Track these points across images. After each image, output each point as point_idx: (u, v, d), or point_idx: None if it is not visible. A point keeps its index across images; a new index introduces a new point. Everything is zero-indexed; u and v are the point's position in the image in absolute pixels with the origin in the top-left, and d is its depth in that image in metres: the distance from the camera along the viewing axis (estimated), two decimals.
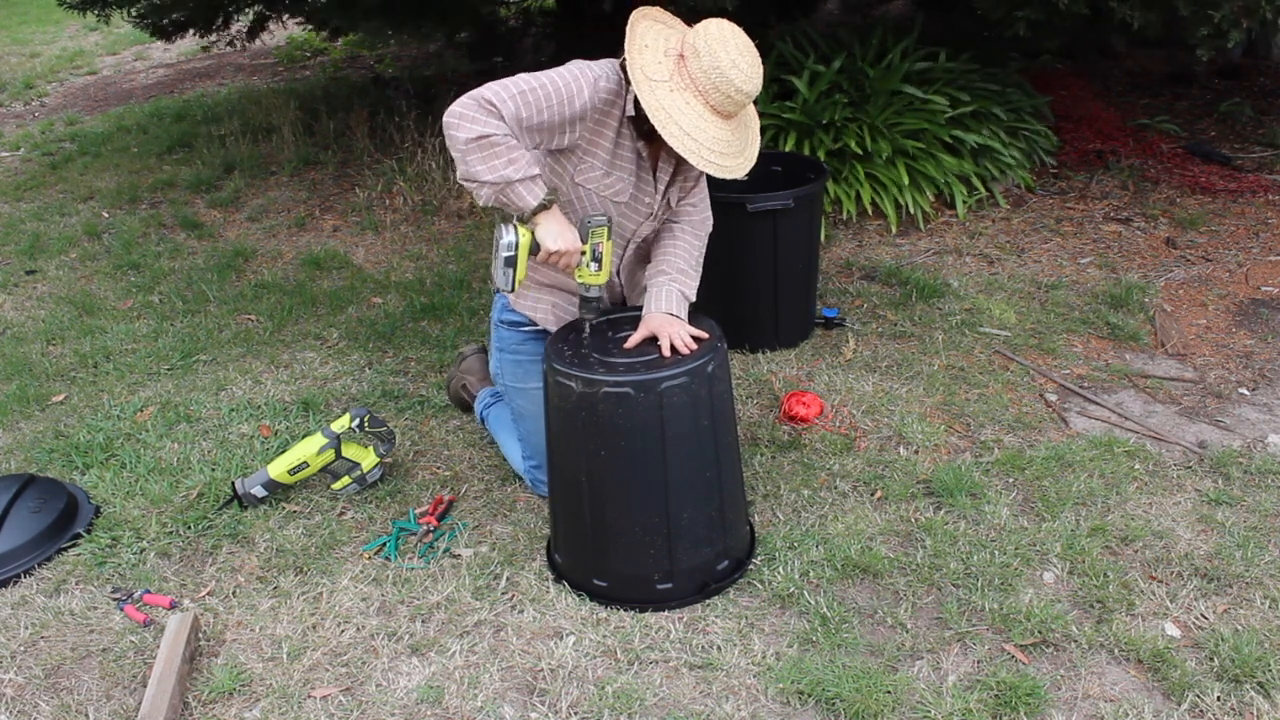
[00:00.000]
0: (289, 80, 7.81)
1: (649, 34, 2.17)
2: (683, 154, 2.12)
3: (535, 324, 2.53)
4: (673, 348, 2.20)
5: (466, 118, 2.05)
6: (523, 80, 2.12)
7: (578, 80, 2.16)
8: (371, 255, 4.49)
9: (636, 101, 2.16)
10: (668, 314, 2.28)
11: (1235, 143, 5.05)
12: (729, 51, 2.10)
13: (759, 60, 2.15)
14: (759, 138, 2.32)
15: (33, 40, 10.63)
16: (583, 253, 2.22)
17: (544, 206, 2.14)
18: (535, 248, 2.18)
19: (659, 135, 2.14)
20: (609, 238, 2.23)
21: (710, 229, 2.53)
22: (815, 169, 3.46)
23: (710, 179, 2.44)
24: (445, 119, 2.08)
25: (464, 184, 2.12)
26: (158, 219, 5.08)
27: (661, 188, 2.37)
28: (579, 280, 2.26)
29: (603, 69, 2.20)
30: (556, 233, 2.16)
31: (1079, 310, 3.60)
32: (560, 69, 2.18)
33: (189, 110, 6.99)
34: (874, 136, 4.29)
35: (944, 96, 4.43)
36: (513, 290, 2.22)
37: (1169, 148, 4.95)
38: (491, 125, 2.05)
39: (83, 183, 5.74)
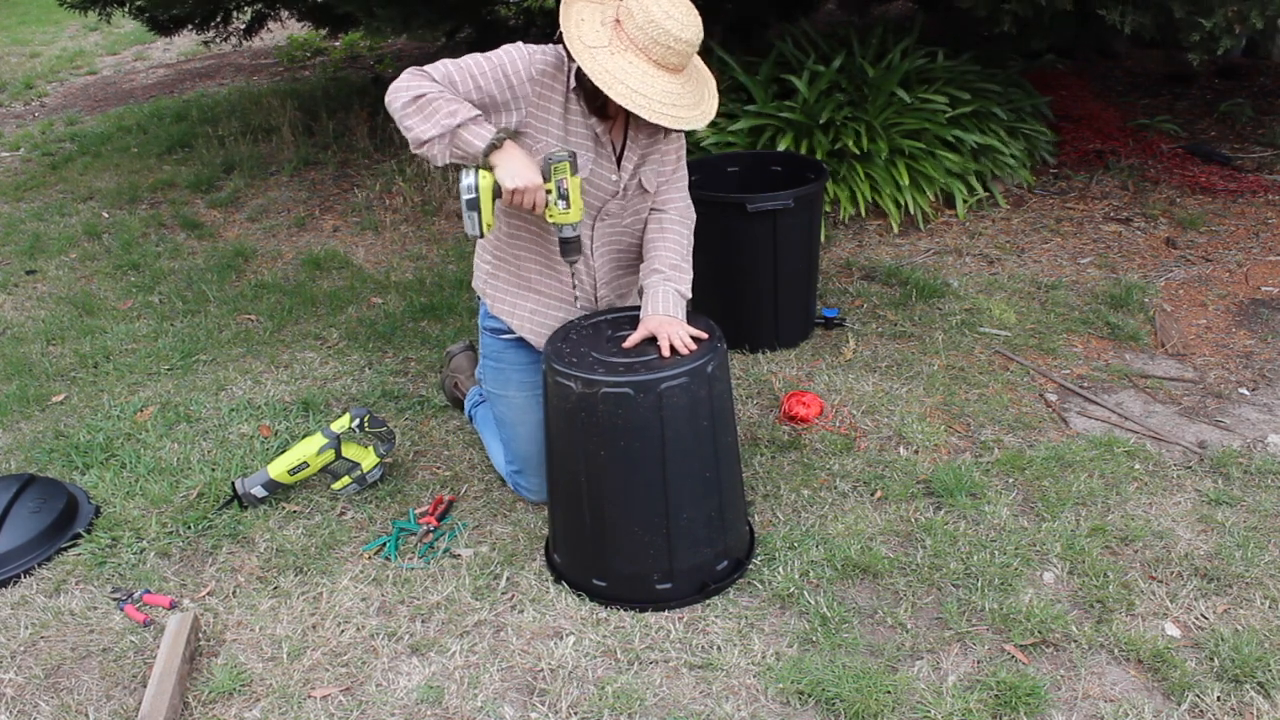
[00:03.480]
0: (289, 80, 7.81)
1: (584, 11, 2.19)
2: (634, 110, 2.10)
3: (514, 331, 2.53)
4: (672, 348, 2.20)
5: (401, 87, 2.13)
6: (462, 57, 2.20)
7: (510, 54, 2.21)
8: (371, 255, 4.49)
9: (581, 74, 2.20)
10: (666, 315, 2.28)
11: (1235, 143, 5.04)
12: (661, 4, 2.11)
13: (694, 9, 2.15)
14: (715, 91, 2.29)
15: (33, 40, 10.63)
16: (548, 190, 2.17)
17: (495, 146, 2.13)
18: (499, 190, 2.16)
19: (610, 108, 2.22)
20: (573, 173, 2.17)
21: (694, 216, 2.52)
22: (815, 169, 3.46)
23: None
24: (386, 98, 2.14)
25: (418, 153, 2.15)
26: (158, 219, 5.08)
27: (630, 167, 2.36)
28: (550, 220, 2.21)
29: (541, 47, 2.25)
30: (514, 170, 2.13)
31: (1079, 310, 3.60)
32: (497, 49, 2.23)
33: (189, 110, 6.99)
34: (873, 136, 4.29)
35: (944, 96, 4.42)
36: (481, 235, 2.18)
37: (1169, 148, 4.95)
38: (425, 85, 2.12)
39: (83, 183, 5.74)
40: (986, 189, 4.50)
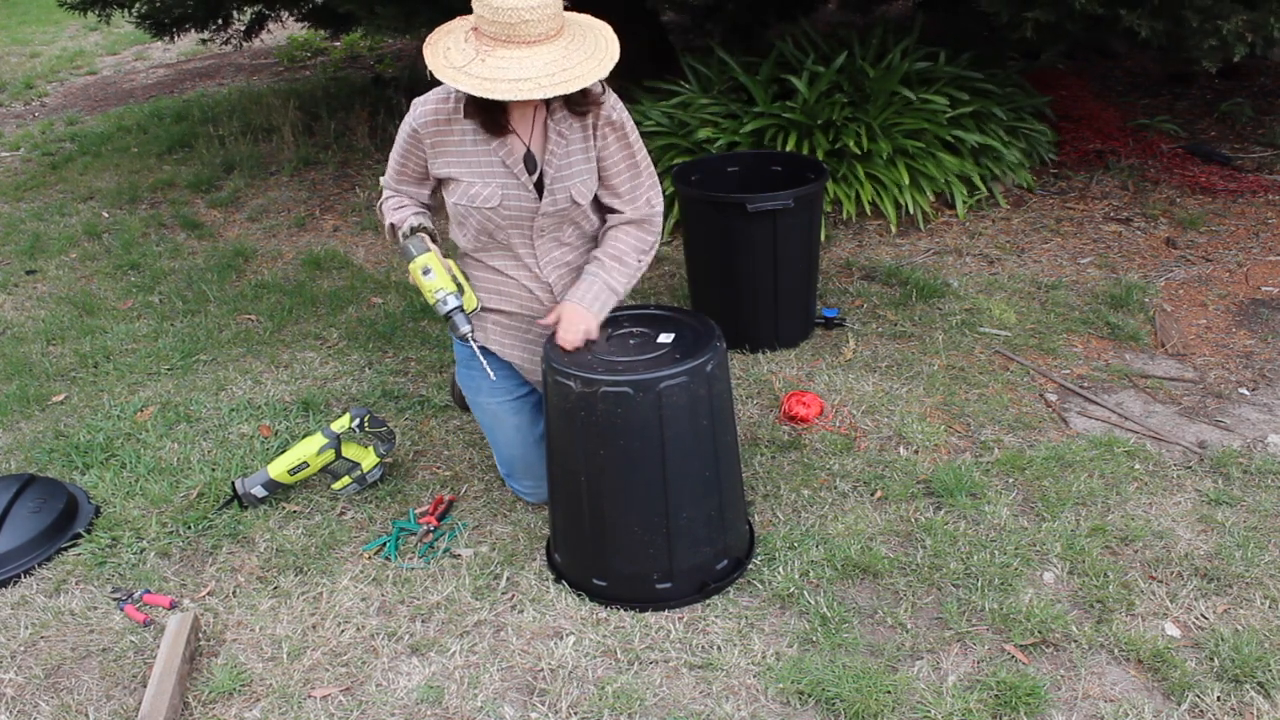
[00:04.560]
0: (289, 80, 7.81)
1: (446, 40, 2.17)
2: (525, 97, 2.05)
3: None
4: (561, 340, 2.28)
5: None
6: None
7: (405, 120, 2.34)
8: (371, 255, 4.49)
9: (467, 103, 2.24)
10: (580, 305, 2.31)
11: (1235, 143, 5.04)
12: None
13: None
14: (612, 37, 2.20)
15: (33, 40, 10.63)
16: (425, 271, 2.31)
17: (404, 241, 2.34)
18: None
19: (511, 118, 2.25)
20: (408, 259, 2.31)
21: (660, 208, 2.45)
22: (815, 169, 3.46)
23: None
24: None
25: None
26: (158, 219, 5.08)
27: (551, 172, 2.32)
28: (430, 301, 2.34)
29: (428, 94, 2.33)
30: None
31: (1079, 310, 3.60)
32: None
33: (189, 110, 6.99)
34: (874, 136, 4.29)
35: (944, 96, 4.42)
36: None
37: (1169, 148, 4.95)
38: (384, 194, 2.48)
39: (83, 183, 5.74)
40: (987, 189, 4.50)
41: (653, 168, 2.45)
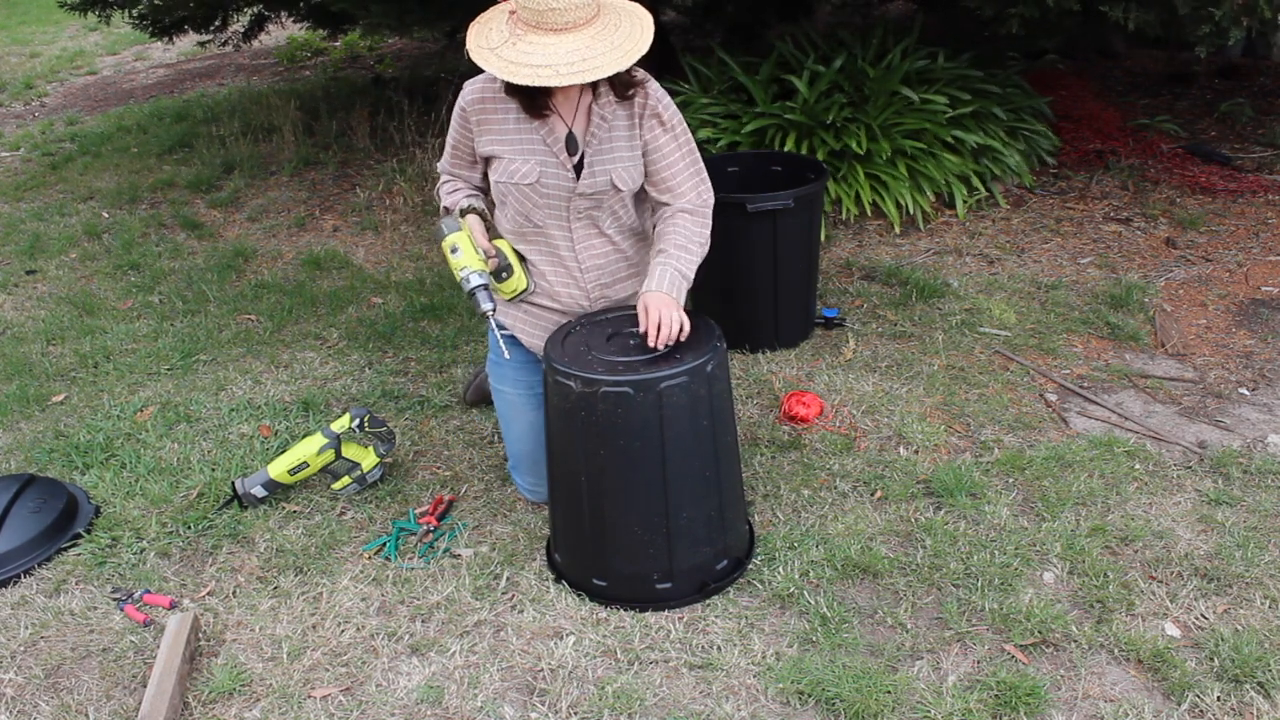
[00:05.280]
0: (289, 80, 7.81)
1: (490, 20, 2.20)
2: (543, 84, 2.07)
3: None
4: (658, 339, 2.22)
5: None
6: None
7: (457, 103, 2.38)
8: (371, 255, 4.49)
9: (506, 83, 2.26)
10: (662, 293, 2.26)
11: (1235, 143, 5.04)
12: None
13: None
14: (649, 24, 2.20)
15: (33, 40, 10.63)
16: (453, 249, 2.33)
17: (440, 221, 2.39)
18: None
19: (553, 99, 2.27)
20: (441, 238, 2.35)
21: (710, 202, 2.46)
22: (815, 169, 3.46)
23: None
24: None
25: None
26: (158, 219, 5.08)
27: (590, 155, 2.32)
28: (456, 279, 2.36)
29: (479, 75, 2.33)
30: None
31: (1079, 310, 3.60)
32: None
33: (189, 110, 6.99)
34: (874, 136, 4.29)
35: (944, 96, 4.42)
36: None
37: (1169, 148, 4.95)
38: (439, 181, 2.53)
39: (83, 183, 5.74)
40: (986, 189, 4.51)
41: (702, 164, 2.45)
